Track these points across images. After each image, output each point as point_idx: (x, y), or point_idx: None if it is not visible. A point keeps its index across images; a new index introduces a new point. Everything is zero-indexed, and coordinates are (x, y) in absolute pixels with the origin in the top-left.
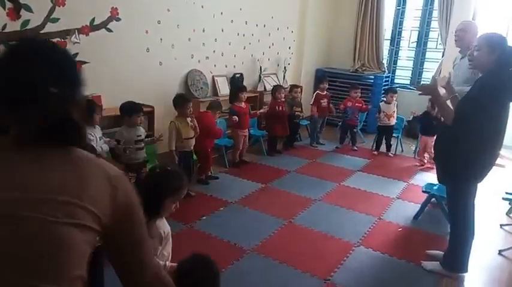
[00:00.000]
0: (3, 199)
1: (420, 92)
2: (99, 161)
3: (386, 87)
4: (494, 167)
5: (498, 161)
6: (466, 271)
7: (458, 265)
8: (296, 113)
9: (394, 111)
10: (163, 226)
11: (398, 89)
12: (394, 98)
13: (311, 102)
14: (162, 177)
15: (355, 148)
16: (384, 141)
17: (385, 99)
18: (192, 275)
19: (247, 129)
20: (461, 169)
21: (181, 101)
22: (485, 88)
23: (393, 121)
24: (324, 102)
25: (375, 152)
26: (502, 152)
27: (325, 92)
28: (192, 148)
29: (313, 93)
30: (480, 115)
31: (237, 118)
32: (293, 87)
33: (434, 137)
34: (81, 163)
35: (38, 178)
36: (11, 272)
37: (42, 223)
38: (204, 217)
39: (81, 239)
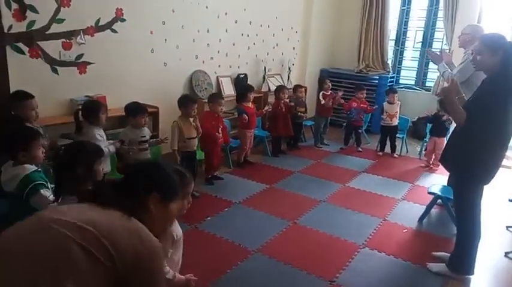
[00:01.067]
0: (52, 219)
1: (441, 97)
2: (140, 225)
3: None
4: (500, 169)
5: (504, 162)
6: (472, 273)
7: (464, 267)
8: (299, 113)
9: (396, 112)
10: (176, 229)
11: (403, 89)
12: (396, 98)
13: (322, 102)
14: None
15: (360, 149)
16: (388, 142)
17: (387, 100)
18: None
19: (253, 130)
20: (464, 170)
21: (186, 101)
22: (489, 90)
23: (395, 121)
24: (327, 101)
25: (380, 153)
26: (509, 153)
27: (330, 91)
28: (194, 148)
29: (318, 93)
30: (483, 117)
31: (247, 118)
32: (297, 87)
33: (445, 138)
34: (123, 219)
35: (81, 214)
36: (33, 265)
37: (61, 235)
38: (209, 218)
39: (87, 262)
